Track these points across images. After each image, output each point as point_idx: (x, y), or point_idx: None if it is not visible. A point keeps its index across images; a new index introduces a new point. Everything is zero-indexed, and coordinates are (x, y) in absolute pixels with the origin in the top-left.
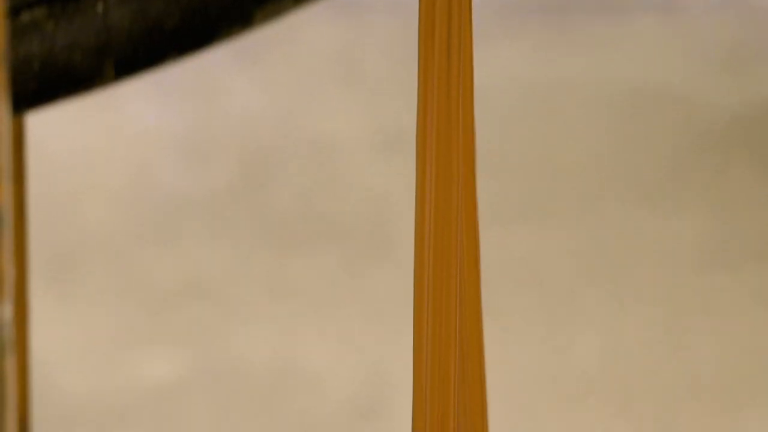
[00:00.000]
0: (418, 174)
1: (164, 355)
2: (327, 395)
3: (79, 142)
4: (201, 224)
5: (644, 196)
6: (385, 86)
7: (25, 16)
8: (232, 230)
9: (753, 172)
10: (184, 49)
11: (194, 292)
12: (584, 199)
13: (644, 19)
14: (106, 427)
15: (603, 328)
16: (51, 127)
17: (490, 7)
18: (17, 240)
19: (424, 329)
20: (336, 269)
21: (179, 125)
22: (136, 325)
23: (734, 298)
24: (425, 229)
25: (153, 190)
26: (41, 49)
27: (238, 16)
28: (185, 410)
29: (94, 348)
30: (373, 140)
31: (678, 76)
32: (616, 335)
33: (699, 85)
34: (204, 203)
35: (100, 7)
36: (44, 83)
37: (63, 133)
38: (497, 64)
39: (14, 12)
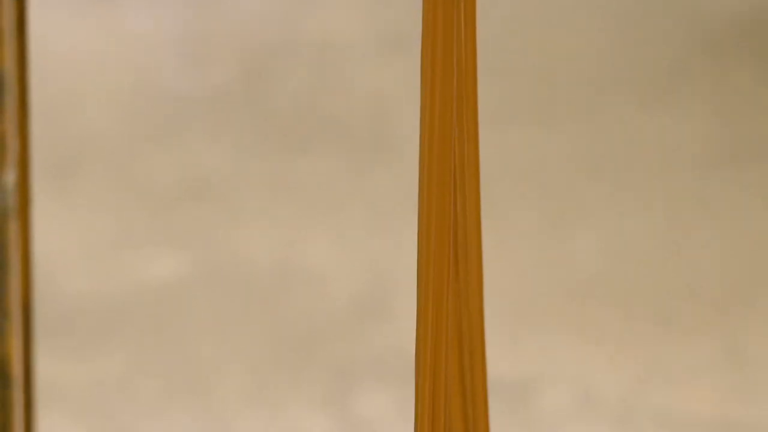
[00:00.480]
0: (423, 75)
1: (166, 255)
2: (329, 294)
3: (80, 44)
4: (202, 125)
5: (646, 97)
6: None
7: None
8: (234, 131)
9: (754, 74)
10: None
11: (196, 192)
12: (586, 100)
13: None
14: (107, 326)
15: (603, 229)
16: (52, 30)
17: None
18: (20, 114)
19: (427, 229)
20: (338, 169)
21: (180, 26)
22: (137, 226)
23: (735, 198)
24: (429, 127)
25: (154, 91)
26: None
27: None
28: (187, 310)
29: (96, 248)
30: (376, 41)
31: None
32: (616, 235)
33: None
34: (205, 104)
35: None
36: None
37: (64, 36)
38: None
39: None
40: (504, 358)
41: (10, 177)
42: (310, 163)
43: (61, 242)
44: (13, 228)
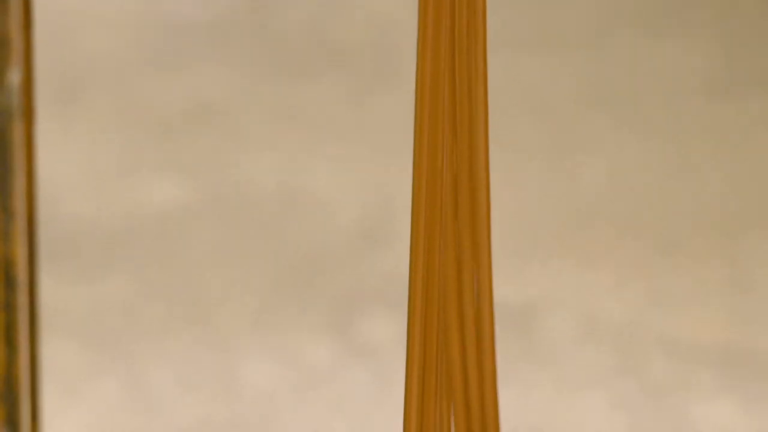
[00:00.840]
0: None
1: (170, 179)
2: (333, 220)
3: None
4: (207, 50)
5: (653, 25)
6: None
7: None
8: (238, 56)
9: (760, 2)
10: None
11: (200, 117)
12: (592, 26)
13: None
14: (111, 250)
15: (609, 154)
16: None
17: None
18: (24, 13)
19: (420, 156)
20: (342, 95)
21: None
22: (141, 150)
23: (740, 125)
24: (422, 53)
25: (158, 16)
26: None
27: None
28: (190, 235)
29: (100, 173)
30: None
31: None
32: (622, 161)
33: None
34: (209, 29)
35: None
36: None
37: None
38: None
39: None
40: (509, 282)
41: (15, 76)
42: (314, 89)
43: (65, 167)
44: (17, 129)
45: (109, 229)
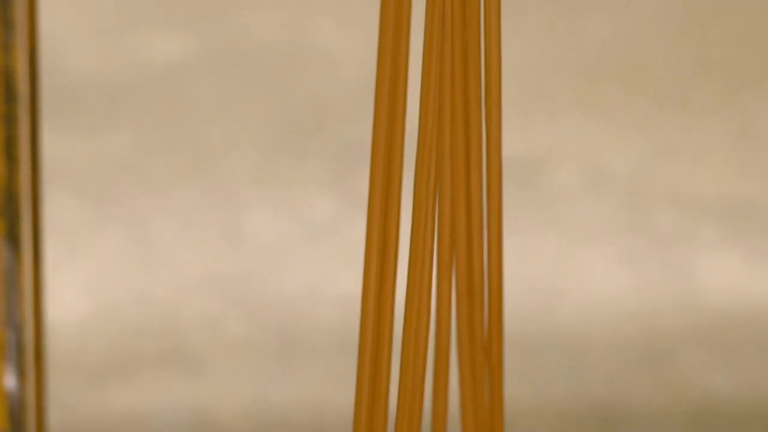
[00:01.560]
0: None
1: (172, 34)
2: (337, 75)
3: None
4: None
5: None
6: None
7: None
8: None
9: None
10: None
11: None
12: None
13: None
14: (114, 104)
15: (615, 7)
16: None
17: None
18: None
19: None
20: None
21: None
22: (143, 5)
23: None
24: None
25: None
26: None
27: None
28: (194, 90)
29: (102, 28)
30: None
31: None
32: (628, 15)
33: None
34: None
35: None
36: None
37: None
38: None
39: None
40: (515, 137)
41: None
42: None
43: (66, 23)
44: None
45: (112, 83)
